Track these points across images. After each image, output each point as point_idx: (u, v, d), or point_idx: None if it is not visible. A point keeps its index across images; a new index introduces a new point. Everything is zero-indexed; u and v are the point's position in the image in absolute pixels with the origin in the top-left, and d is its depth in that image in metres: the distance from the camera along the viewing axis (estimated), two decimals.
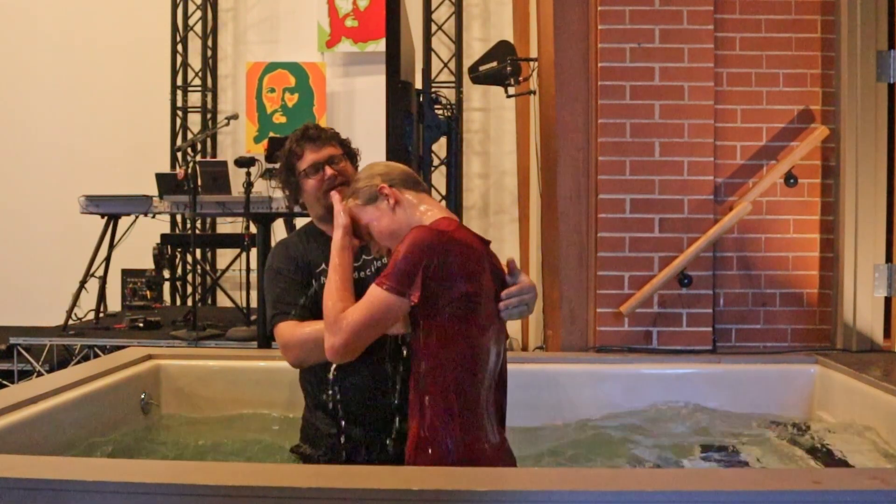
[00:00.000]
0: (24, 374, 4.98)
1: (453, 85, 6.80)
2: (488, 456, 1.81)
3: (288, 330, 2.19)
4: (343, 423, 2.21)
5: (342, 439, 2.21)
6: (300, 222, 5.76)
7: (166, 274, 6.78)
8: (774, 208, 3.30)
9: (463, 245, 1.80)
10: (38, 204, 7.12)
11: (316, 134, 2.29)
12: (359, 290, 2.03)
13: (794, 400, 2.98)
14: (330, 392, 2.20)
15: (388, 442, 2.15)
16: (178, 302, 7.06)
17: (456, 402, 1.79)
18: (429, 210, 1.93)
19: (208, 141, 7.41)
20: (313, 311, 2.22)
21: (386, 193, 1.92)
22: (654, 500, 1.52)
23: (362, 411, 2.19)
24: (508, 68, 4.20)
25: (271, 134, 6.73)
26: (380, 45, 6.74)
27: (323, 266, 2.25)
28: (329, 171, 2.26)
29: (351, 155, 2.36)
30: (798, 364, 3.05)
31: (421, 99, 3.92)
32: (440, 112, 4.12)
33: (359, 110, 7.26)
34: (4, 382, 4.86)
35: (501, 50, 4.29)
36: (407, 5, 3.81)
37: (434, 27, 6.82)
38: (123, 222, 5.58)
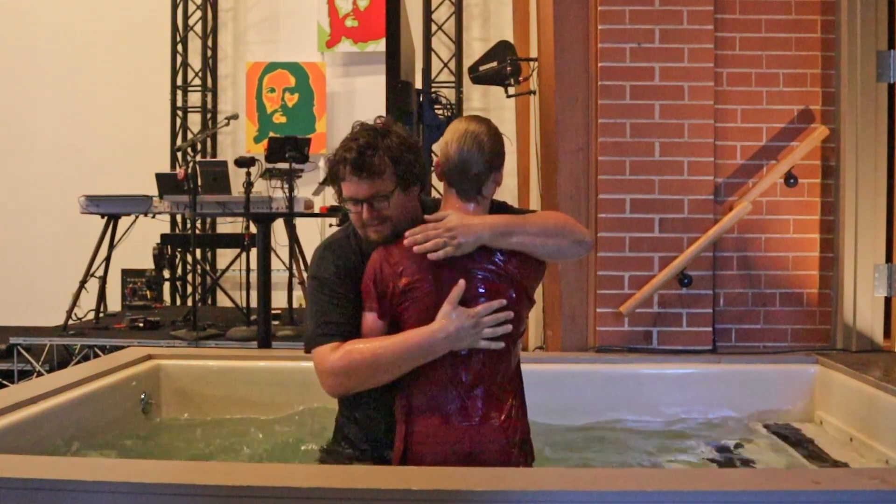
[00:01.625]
0: (24, 374, 4.98)
1: (453, 85, 6.81)
2: (456, 434, 1.90)
3: (326, 355, 1.94)
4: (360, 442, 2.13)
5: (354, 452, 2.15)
6: (300, 222, 5.77)
7: (166, 274, 6.78)
8: (774, 208, 3.30)
9: (401, 249, 1.94)
10: (38, 204, 7.12)
11: (360, 165, 1.91)
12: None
13: (794, 400, 2.98)
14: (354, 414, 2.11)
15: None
16: (178, 302, 7.06)
17: (407, 383, 1.96)
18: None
19: (208, 141, 7.41)
20: (357, 325, 2.03)
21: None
22: (654, 500, 1.52)
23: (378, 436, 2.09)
24: (508, 68, 4.20)
25: (271, 134, 6.71)
26: (380, 45, 6.74)
27: None
28: (366, 213, 1.95)
29: (405, 184, 1.97)
30: (798, 364, 3.05)
31: (421, 99, 3.91)
32: (440, 112, 4.11)
33: (359, 110, 7.25)
34: (4, 382, 4.86)
35: (501, 50, 4.29)
36: (407, 5, 3.81)
37: (434, 27, 6.83)
38: (123, 222, 5.58)
